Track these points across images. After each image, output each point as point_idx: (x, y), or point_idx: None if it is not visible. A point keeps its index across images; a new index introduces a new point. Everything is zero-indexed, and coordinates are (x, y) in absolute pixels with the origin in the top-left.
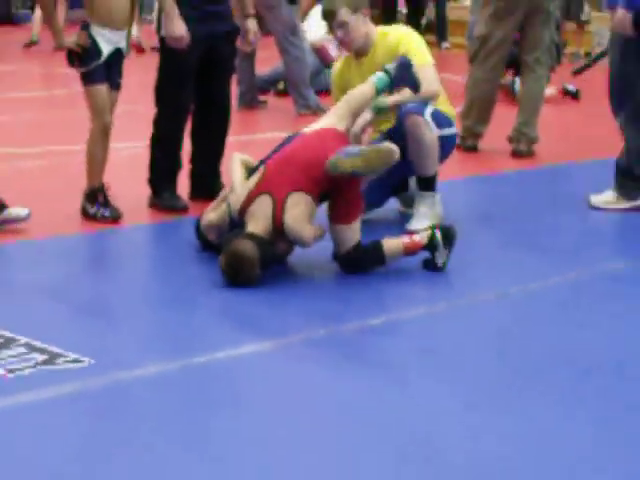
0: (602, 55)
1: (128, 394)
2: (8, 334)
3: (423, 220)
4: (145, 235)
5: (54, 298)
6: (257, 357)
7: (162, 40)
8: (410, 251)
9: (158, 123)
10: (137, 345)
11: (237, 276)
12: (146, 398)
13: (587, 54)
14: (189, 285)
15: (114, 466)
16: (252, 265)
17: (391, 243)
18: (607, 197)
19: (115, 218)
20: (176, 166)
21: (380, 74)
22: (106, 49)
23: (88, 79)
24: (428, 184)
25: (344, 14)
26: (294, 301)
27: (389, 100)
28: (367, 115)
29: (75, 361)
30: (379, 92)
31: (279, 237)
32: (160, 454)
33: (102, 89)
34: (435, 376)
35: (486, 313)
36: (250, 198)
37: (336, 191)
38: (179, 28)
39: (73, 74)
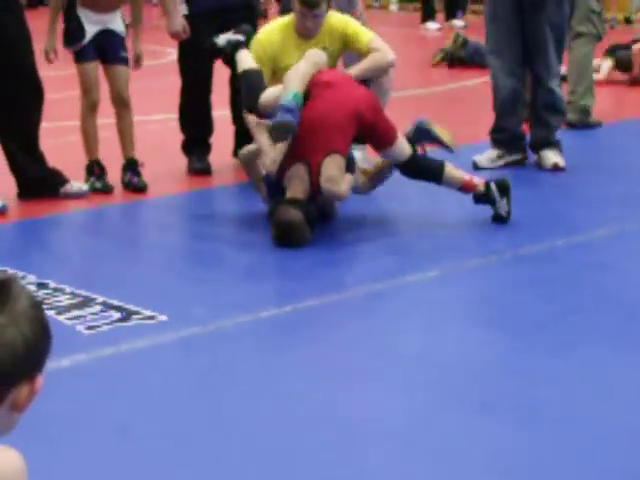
0: None
1: (202, 348)
2: (86, 293)
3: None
4: (201, 200)
5: (126, 259)
6: (321, 310)
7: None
8: (466, 188)
9: (182, 93)
10: (208, 301)
11: (290, 242)
12: (218, 351)
13: (627, 19)
14: (250, 245)
15: (190, 416)
16: (301, 229)
17: (453, 170)
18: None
19: (105, 190)
20: (203, 132)
21: None
22: (91, 30)
23: (76, 57)
24: None
25: (323, 9)
26: (349, 257)
27: (352, 73)
28: None
29: (150, 318)
30: None
31: (318, 197)
32: (234, 404)
33: (88, 67)
34: (487, 323)
35: (534, 264)
36: (285, 166)
37: (367, 129)
38: (176, 25)
39: (158, 50)
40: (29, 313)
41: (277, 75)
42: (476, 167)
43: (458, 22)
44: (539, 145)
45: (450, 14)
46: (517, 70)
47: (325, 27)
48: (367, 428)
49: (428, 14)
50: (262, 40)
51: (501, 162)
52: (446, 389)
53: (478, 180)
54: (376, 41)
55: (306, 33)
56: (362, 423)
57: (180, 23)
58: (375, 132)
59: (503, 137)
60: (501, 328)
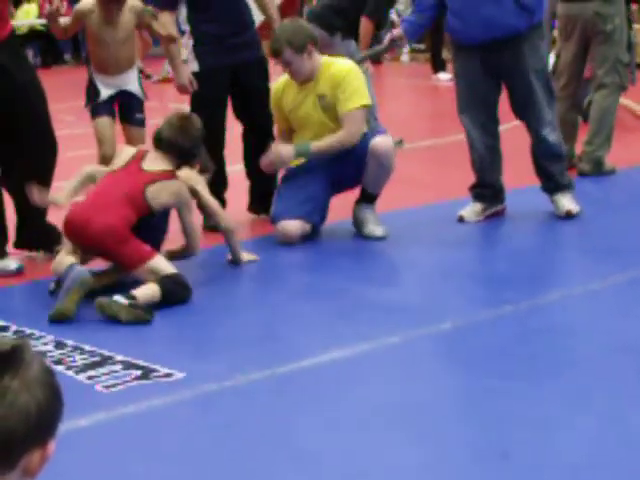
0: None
1: (219, 405)
2: (105, 352)
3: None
4: (216, 256)
5: None
6: (337, 364)
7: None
8: None
9: None
10: (225, 358)
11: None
12: (236, 407)
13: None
14: (264, 300)
15: (209, 473)
16: None
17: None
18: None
19: None
20: (218, 188)
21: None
22: (105, 91)
23: (91, 114)
24: (375, 199)
25: (288, 56)
26: (360, 311)
27: (312, 146)
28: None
29: (168, 375)
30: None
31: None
32: (252, 462)
33: (100, 122)
34: (503, 372)
35: (549, 314)
36: None
37: None
38: (183, 78)
39: (176, 107)
40: (41, 379)
41: (289, 120)
42: (462, 221)
43: None
44: (551, 191)
45: None
46: (490, 126)
47: (325, 74)
48: None
49: (438, 65)
50: (273, 89)
51: (485, 215)
52: (462, 439)
53: None
54: (354, 116)
55: (293, 79)
56: (379, 477)
57: (187, 76)
58: None
59: (485, 192)
60: (517, 377)
